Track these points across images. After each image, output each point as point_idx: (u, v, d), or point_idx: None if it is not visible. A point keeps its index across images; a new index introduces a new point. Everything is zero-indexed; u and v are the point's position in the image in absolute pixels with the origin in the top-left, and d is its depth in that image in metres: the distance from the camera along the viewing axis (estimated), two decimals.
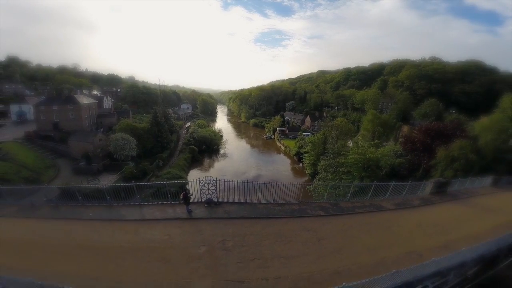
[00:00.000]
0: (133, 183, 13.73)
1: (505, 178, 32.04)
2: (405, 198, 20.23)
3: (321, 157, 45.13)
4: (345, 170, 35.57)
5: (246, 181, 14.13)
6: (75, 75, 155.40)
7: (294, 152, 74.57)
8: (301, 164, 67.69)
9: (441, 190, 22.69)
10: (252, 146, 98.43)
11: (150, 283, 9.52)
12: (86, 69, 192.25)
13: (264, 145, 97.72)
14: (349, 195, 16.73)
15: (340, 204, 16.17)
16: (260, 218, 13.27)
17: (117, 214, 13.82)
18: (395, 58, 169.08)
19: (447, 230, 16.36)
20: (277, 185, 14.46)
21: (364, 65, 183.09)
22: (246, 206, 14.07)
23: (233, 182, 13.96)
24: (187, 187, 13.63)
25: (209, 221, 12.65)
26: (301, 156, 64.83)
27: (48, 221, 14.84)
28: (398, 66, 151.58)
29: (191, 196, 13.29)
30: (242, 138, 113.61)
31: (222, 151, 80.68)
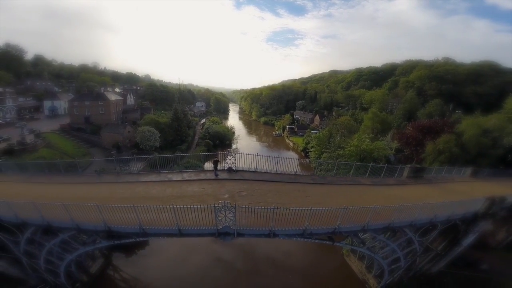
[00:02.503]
0: (178, 154, 19.60)
1: (486, 171, 35.86)
2: (383, 179, 25.07)
3: (323, 150, 50.17)
4: (343, 161, 40.39)
5: (256, 154, 19.80)
6: (97, 74, 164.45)
7: (301, 148, 79.54)
8: (308, 160, 72.47)
9: (417, 175, 27.20)
10: (262, 142, 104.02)
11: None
12: (105, 68, 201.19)
13: (274, 142, 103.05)
14: (334, 171, 21.96)
15: (326, 177, 21.50)
16: (266, 181, 18.90)
17: (165, 177, 19.78)
18: (408, 59, 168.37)
19: (408, 201, 20.92)
20: (279, 159, 20.03)
21: (376, 66, 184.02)
22: (256, 173, 19.81)
23: (247, 155, 19.63)
24: (216, 157, 19.41)
25: (230, 181, 18.43)
26: (308, 151, 69.70)
27: (115, 184, 20.78)
28: (410, 67, 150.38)
29: (218, 163, 19.11)
30: (252, 135, 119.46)
31: (234, 146, 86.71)
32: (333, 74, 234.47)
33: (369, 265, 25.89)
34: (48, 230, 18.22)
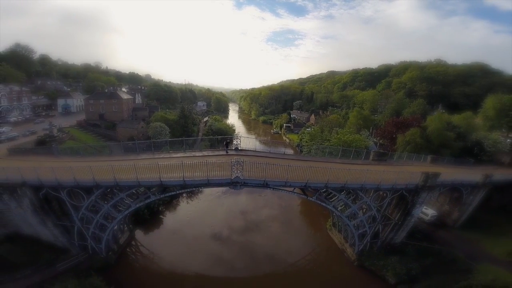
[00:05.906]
0: (199, 137, 27.15)
1: (446, 159, 43.01)
2: (352, 160, 32.51)
3: (312, 142, 57.93)
4: (328, 151, 47.92)
5: (255, 138, 27.39)
6: (101, 73, 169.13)
7: (296, 144, 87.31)
8: (302, 154, 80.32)
9: (380, 158, 34.56)
10: (261, 138, 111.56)
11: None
12: (107, 67, 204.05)
13: (272, 138, 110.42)
14: (312, 152, 29.55)
15: (308, 156, 29.04)
16: (262, 156, 26.66)
17: (190, 154, 27.42)
18: (403, 60, 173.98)
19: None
20: (271, 142, 27.62)
21: (372, 67, 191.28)
22: (255, 151, 27.74)
23: (248, 138, 27.35)
24: (227, 140, 27.13)
25: (236, 155, 25.94)
26: (302, 146, 77.34)
27: (153, 159, 27.92)
28: (403, 68, 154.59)
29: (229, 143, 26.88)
30: (252, 132, 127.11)
31: (235, 142, 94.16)
32: (331, 74, 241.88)
33: (346, 235, 32.37)
34: (112, 191, 24.59)
